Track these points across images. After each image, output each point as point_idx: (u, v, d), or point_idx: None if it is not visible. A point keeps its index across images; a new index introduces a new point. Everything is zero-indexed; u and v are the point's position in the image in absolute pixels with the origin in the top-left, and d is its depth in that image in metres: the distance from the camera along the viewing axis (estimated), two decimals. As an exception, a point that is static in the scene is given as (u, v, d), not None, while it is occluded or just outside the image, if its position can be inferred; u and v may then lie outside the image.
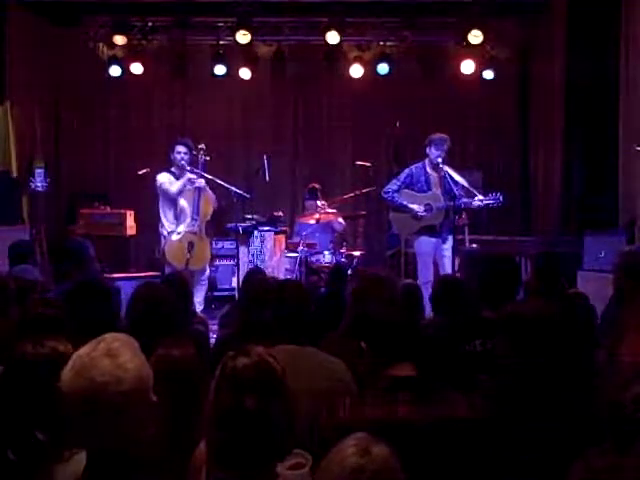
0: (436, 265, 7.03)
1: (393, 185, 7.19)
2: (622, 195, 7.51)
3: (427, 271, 6.97)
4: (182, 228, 7.24)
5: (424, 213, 7.00)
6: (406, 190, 7.12)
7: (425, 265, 7.02)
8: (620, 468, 1.72)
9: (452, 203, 6.85)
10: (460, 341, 3.41)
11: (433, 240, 7.00)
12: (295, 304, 3.13)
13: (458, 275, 6.18)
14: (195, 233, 7.23)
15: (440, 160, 6.94)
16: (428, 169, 7.08)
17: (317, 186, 8.67)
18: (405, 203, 7.06)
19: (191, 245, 7.12)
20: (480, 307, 3.66)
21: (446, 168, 6.95)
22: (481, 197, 6.88)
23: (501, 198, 6.84)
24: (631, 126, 7.31)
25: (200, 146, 7.39)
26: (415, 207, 7.01)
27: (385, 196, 7.22)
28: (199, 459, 2.04)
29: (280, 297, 3.20)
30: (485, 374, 2.98)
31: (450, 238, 6.97)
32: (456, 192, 6.90)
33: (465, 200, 6.93)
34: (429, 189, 7.07)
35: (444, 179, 6.94)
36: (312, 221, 8.31)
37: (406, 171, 7.21)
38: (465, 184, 6.95)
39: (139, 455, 1.70)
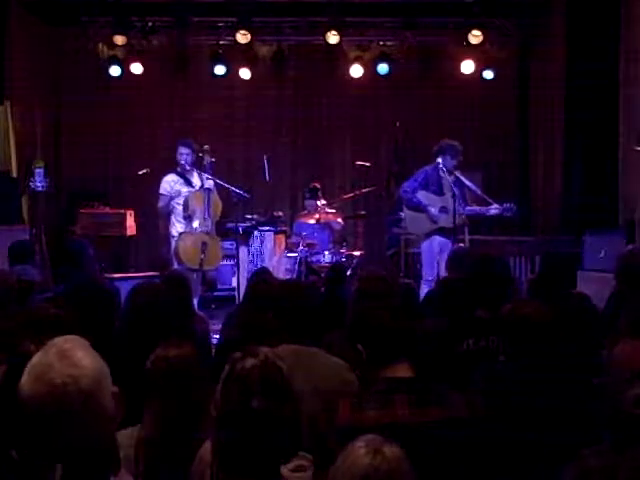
0: (438, 265, 7.06)
1: (411, 184, 7.21)
2: (622, 195, 7.52)
3: (432, 269, 7.02)
4: (196, 224, 7.21)
5: (440, 215, 7.04)
6: (422, 191, 7.16)
7: (430, 263, 7.09)
8: (614, 469, 1.72)
9: (463, 209, 6.90)
10: (454, 341, 3.43)
11: (444, 240, 7.04)
12: (298, 304, 3.13)
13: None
14: (207, 233, 7.22)
15: (453, 167, 7.03)
16: (441, 173, 7.11)
17: (318, 185, 8.64)
18: (425, 204, 7.09)
19: (205, 245, 7.10)
20: (474, 307, 3.68)
21: (457, 173, 7.03)
22: (497, 206, 6.96)
23: (515, 208, 6.92)
24: (631, 126, 7.31)
25: (204, 147, 7.32)
26: (432, 210, 7.06)
27: (404, 195, 7.23)
28: (203, 460, 2.03)
29: (283, 297, 3.20)
30: (480, 372, 2.99)
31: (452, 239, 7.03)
32: (464, 196, 6.96)
33: (480, 208, 7.03)
34: (442, 193, 7.10)
35: (455, 183, 6.98)
36: (312, 221, 8.31)
37: (422, 172, 7.23)
38: (478, 191, 7.05)
39: (112, 448, 1.70)
